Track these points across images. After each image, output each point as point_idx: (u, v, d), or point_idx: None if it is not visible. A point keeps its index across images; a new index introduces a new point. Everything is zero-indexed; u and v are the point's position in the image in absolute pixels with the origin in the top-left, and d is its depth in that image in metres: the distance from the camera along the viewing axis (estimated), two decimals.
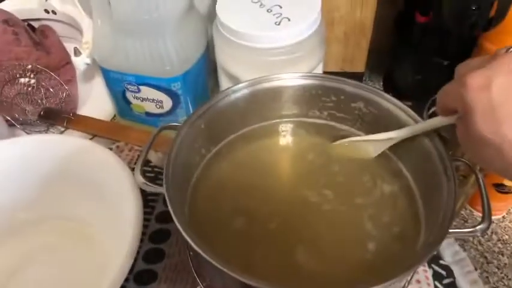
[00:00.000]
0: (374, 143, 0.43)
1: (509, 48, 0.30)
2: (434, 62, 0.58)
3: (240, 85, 0.43)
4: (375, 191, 0.43)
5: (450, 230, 0.33)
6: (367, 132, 0.45)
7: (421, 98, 0.51)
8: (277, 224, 0.40)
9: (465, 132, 0.29)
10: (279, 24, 0.46)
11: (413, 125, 0.39)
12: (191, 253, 0.41)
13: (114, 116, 0.63)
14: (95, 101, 0.65)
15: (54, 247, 0.48)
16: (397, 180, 0.42)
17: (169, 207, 0.33)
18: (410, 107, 0.41)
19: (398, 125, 0.42)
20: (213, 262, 0.30)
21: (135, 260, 0.48)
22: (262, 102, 0.45)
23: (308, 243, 0.38)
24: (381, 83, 0.70)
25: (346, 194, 0.42)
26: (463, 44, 0.55)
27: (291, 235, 0.39)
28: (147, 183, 0.37)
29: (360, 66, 0.63)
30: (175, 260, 0.48)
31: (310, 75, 0.44)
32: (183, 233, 0.32)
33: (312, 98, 0.45)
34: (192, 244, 0.31)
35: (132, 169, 0.57)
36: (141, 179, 0.37)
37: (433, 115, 0.47)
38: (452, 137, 0.34)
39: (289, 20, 0.46)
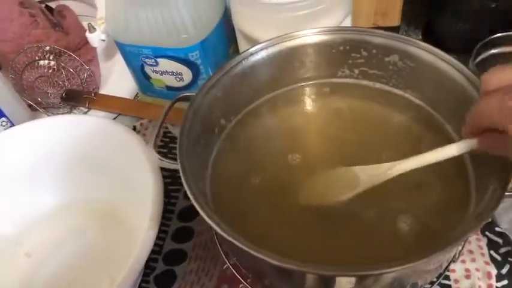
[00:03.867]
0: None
1: None
2: (480, 5, 0.52)
3: (258, 46, 0.39)
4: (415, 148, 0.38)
5: (506, 193, 0.28)
6: (405, 89, 0.41)
7: (466, 49, 0.45)
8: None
9: None
10: None
11: (424, 154, 0.31)
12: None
13: (137, 93, 0.61)
14: (118, 79, 0.63)
15: (82, 229, 0.47)
16: (438, 134, 0.38)
17: (184, 183, 0.31)
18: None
19: (440, 78, 0.37)
20: (234, 241, 0.27)
21: (164, 239, 0.47)
22: (285, 65, 0.41)
23: (347, 212, 0.34)
24: (420, 37, 0.64)
25: (389, 157, 0.37)
26: None
27: (329, 209, 0.35)
28: (161, 158, 0.34)
29: (394, 19, 0.57)
30: (204, 237, 0.46)
31: (334, 29, 0.39)
32: (200, 211, 0.29)
33: (340, 55, 0.41)
34: (209, 221, 0.29)
35: (158, 146, 0.56)
36: (154, 154, 0.35)
37: (480, 65, 0.42)
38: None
39: None
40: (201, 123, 0.36)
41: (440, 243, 0.27)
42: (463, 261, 0.41)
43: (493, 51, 0.43)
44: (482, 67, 0.40)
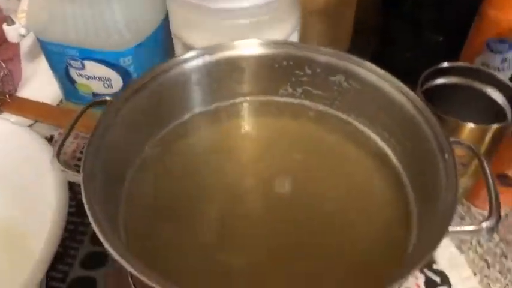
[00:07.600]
0: None
1: None
2: (428, 37, 0.51)
3: (192, 53, 0.35)
4: (356, 183, 0.35)
5: (450, 229, 0.26)
6: (348, 113, 0.38)
7: (413, 79, 0.44)
8: (244, 231, 0.32)
9: None
10: None
11: None
12: None
13: (61, 100, 0.55)
14: (41, 82, 0.56)
15: None
16: (383, 166, 0.35)
17: (84, 202, 0.26)
18: None
19: (386, 102, 0.35)
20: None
21: (71, 265, 0.41)
22: (221, 76, 0.37)
23: (278, 249, 0.31)
24: None
25: (322, 187, 0.35)
26: (461, 15, 0.48)
27: (260, 242, 0.31)
28: (64, 169, 0.29)
29: (344, 44, 0.56)
30: (119, 265, 0.40)
31: (278, 42, 0.36)
32: (103, 240, 0.24)
33: (283, 71, 0.38)
34: (118, 257, 0.24)
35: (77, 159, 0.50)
36: (56, 163, 0.29)
37: (427, 92, 0.41)
38: None
39: None
40: (120, 132, 0.31)
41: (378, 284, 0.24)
42: None
43: (439, 81, 0.42)
44: (429, 95, 0.39)
